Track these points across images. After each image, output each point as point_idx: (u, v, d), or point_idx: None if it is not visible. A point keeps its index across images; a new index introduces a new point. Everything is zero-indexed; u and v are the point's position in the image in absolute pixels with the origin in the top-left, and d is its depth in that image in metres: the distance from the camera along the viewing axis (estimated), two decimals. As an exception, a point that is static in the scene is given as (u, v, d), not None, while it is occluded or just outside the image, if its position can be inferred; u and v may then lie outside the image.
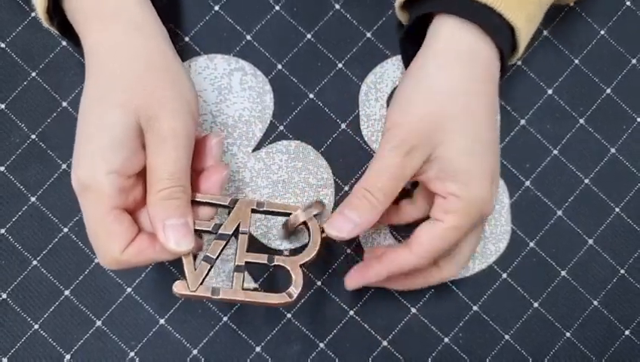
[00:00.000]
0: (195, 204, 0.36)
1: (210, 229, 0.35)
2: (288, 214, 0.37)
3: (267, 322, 0.42)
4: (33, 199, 0.42)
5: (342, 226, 0.36)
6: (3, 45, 0.43)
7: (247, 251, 0.36)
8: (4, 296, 0.41)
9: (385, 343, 0.42)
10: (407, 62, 0.41)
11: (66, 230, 0.42)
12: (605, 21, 0.45)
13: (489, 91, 0.37)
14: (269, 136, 0.43)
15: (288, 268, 0.36)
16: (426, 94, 0.36)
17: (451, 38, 0.36)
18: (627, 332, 0.43)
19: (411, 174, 0.36)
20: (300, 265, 0.36)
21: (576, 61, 0.44)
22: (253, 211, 0.36)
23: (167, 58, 0.36)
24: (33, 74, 0.43)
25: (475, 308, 0.43)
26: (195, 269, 0.35)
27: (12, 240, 0.42)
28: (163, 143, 0.34)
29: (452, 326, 0.42)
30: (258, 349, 0.42)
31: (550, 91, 0.44)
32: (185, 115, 0.35)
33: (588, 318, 0.43)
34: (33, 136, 0.42)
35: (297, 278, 0.36)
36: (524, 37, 0.37)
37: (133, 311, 0.41)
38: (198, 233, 0.36)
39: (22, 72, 0.43)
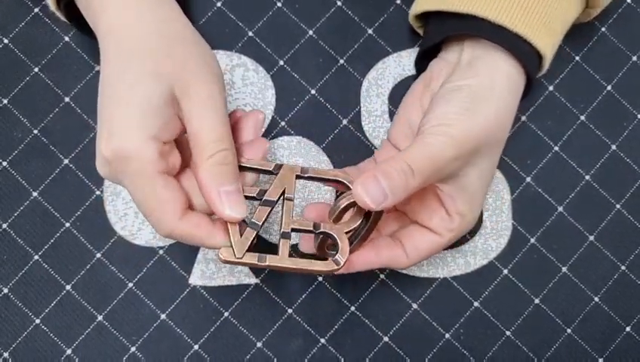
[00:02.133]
0: (241, 169, 0.35)
1: (255, 195, 0.34)
2: (334, 181, 0.36)
3: (268, 317, 0.42)
4: (35, 194, 0.42)
5: (373, 192, 0.32)
6: (6, 41, 0.43)
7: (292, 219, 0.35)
8: (6, 290, 0.41)
9: (386, 339, 0.42)
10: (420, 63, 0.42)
11: (67, 225, 0.42)
12: (606, 18, 0.45)
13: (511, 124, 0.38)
14: (271, 132, 0.43)
15: (335, 235, 0.35)
16: (486, 116, 0.35)
17: (512, 74, 0.37)
18: (628, 329, 0.43)
19: (435, 182, 0.35)
20: (346, 233, 0.35)
21: (577, 58, 0.45)
22: (298, 177, 0.35)
23: (191, 30, 0.35)
24: (36, 69, 0.43)
25: (476, 304, 0.43)
26: (241, 236, 0.33)
27: (14, 234, 0.42)
28: (205, 107, 0.33)
29: (453, 322, 0.42)
30: (259, 344, 0.42)
31: (551, 88, 0.44)
32: (218, 83, 0.34)
33: (589, 314, 0.43)
34: (35, 132, 0.42)
35: (344, 246, 0.34)
36: (547, 65, 0.38)
37: (134, 306, 0.41)
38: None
39: (25, 68, 0.43)
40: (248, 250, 0.33)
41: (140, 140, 0.32)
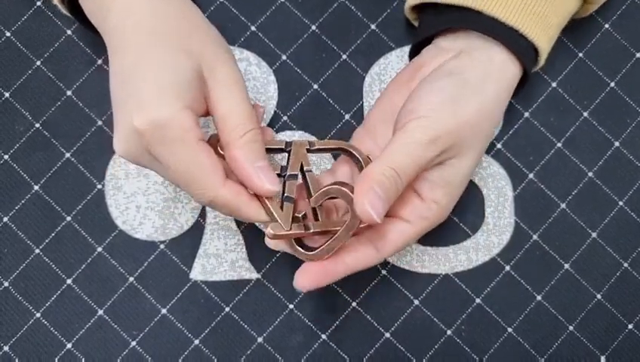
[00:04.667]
0: None
1: (278, 172, 0.35)
2: (339, 149, 0.37)
3: (269, 313, 0.42)
4: (36, 187, 0.42)
5: (378, 207, 0.33)
6: (8, 34, 0.43)
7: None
8: (6, 284, 0.41)
9: (387, 335, 0.42)
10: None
11: (68, 218, 0.42)
12: (610, 15, 0.45)
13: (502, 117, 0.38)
14: (273, 127, 0.43)
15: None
16: (479, 108, 0.35)
17: (505, 67, 0.36)
18: (630, 326, 0.42)
19: (420, 173, 0.35)
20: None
21: (581, 54, 0.44)
22: (308, 151, 0.36)
23: (203, 16, 0.36)
24: (38, 63, 0.43)
25: (478, 300, 0.42)
26: (282, 210, 0.34)
27: (15, 228, 0.41)
28: (232, 90, 0.33)
29: (455, 318, 0.42)
30: (260, 340, 0.42)
31: (554, 84, 0.44)
32: (238, 68, 0.35)
33: (591, 312, 0.42)
34: (37, 125, 0.42)
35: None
36: (544, 58, 0.38)
37: (135, 301, 0.41)
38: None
39: (26, 61, 0.43)
40: (293, 222, 0.34)
41: (178, 109, 0.31)
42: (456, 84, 0.35)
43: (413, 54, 0.41)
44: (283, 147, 0.36)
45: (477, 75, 0.36)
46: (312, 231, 0.35)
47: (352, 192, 0.33)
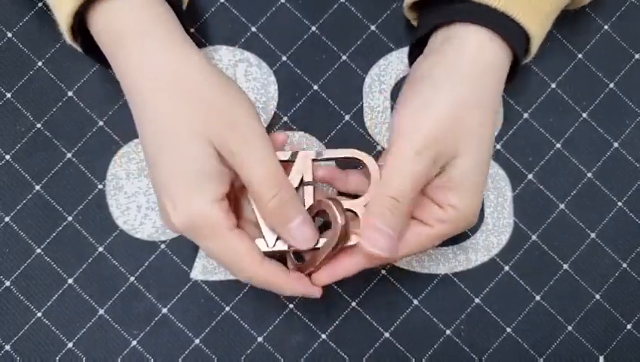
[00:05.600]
0: None
1: None
2: (349, 158, 0.37)
3: (269, 312, 0.42)
4: (38, 187, 0.42)
5: (383, 244, 0.34)
6: (10, 35, 0.43)
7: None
8: (8, 283, 0.41)
9: (387, 335, 0.42)
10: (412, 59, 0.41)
11: (70, 218, 0.42)
12: (609, 16, 0.45)
13: (498, 105, 0.37)
14: (273, 127, 0.43)
15: (357, 212, 0.36)
16: (452, 102, 0.34)
17: (480, 49, 0.35)
18: (629, 326, 0.43)
19: (432, 177, 0.35)
20: (365, 206, 0.36)
21: (580, 55, 0.45)
22: (314, 160, 0.37)
23: (212, 70, 0.35)
24: (39, 63, 0.43)
25: (477, 300, 0.43)
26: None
27: (16, 228, 0.42)
28: (250, 160, 0.33)
29: (454, 318, 0.42)
30: (260, 339, 0.42)
31: (554, 85, 0.44)
32: (254, 118, 0.34)
33: (590, 312, 0.43)
34: (39, 125, 0.42)
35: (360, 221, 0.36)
36: (536, 44, 0.37)
37: (135, 300, 0.42)
38: None
39: (28, 62, 0.43)
40: (278, 240, 0.35)
41: (205, 207, 0.33)
42: (426, 86, 0.35)
43: (412, 56, 0.41)
44: (289, 158, 0.36)
45: (444, 70, 0.35)
46: (293, 248, 0.35)
47: (338, 208, 0.34)
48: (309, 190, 0.36)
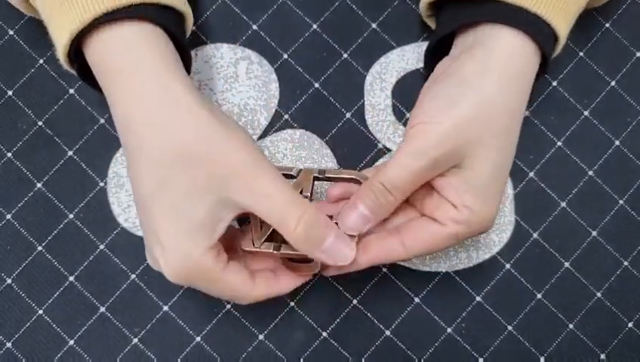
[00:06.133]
0: None
1: None
2: (350, 180, 0.37)
3: (270, 310, 0.42)
4: (39, 185, 0.42)
5: (355, 223, 0.35)
6: (11, 32, 0.43)
7: None
8: (9, 281, 0.41)
9: (388, 332, 0.42)
10: (431, 55, 0.40)
11: (71, 216, 0.42)
12: (610, 14, 0.45)
13: (524, 110, 0.36)
14: (274, 125, 0.43)
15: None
16: (477, 103, 0.34)
17: (512, 53, 0.35)
18: (630, 325, 0.43)
19: (432, 178, 0.35)
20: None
21: (581, 53, 0.45)
22: (316, 178, 0.37)
23: (201, 114, 0.33)
24: (41, 61, 0.43)
25: (478, 298, 0.43)
26: (261, 229, 0.36)
27: (17, 225, 0.42)
28: (259, 201, 0.32)
29: (455, 316, 0.42)
30: (261, 337, 0.42)
31: (555, 83, 0.44)
32: (252, 153, 0.33)
33: (591, 310, 0.43)
34: (40, 123, 0.43)
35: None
36: (561, 45, 0.37)
37: (136, 298, 0.42)
38: None
39: (29, 59, 0.43)
40: (265, 241, 0.36)
41: (197, 257, 0.32)
42: (452, 85, 0.35)
43: (430, 56, 0.40)
44: (293, 173, 0.37)
45: (473, 70, 0.35)
46: (279, 252, 0.36)
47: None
48: None
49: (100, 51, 0.34)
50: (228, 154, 0.32)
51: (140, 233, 0.42)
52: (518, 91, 0.35)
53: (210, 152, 0.32)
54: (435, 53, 0.39)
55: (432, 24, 0.42)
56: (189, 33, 0.40)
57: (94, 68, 0.34)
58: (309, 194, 0.37)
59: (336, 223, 0.36)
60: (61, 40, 0.34)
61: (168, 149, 0.32)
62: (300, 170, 0.37)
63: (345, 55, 0.44)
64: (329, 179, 0.38)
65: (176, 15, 0.37)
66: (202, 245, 0.33)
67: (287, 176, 0.37)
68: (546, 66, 0.36)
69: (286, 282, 0.36)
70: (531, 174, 0.43)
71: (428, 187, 0.36)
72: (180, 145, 0.32)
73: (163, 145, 0.32)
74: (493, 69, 0.34)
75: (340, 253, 0.34)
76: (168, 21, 0.35)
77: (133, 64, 0.33)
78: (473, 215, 0.35)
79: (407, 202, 0.37)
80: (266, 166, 0.33)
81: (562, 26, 0.35)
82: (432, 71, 0.38)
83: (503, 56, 0.34)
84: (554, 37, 0.36)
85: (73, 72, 0.36)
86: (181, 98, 0.33)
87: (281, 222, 0.33)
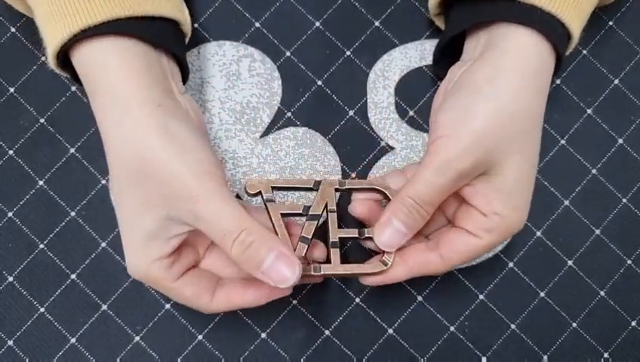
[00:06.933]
0: (282, 189, 0.37)
1: (300, 211, 0.37)
2: (371, 190, 0.38)
3: (273, 308, 0.42)
4: (41, 183, 0.42)
5: (391, 239, 0.35)
6: (13, 29, 0.43)
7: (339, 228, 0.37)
8: (11, 278, 0.41)
9: (390, 331, 0.42)
10: (440, 57, 0.40)
11: (73, 214, 0.42)
12: (614, 12, 0.45)
13: (544, 111, 0.36)
14: (277, 123, 0.43)
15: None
16: (492, 111, 0.34)
17: (526, 55, 0.34)
18: (634, 323, 0.42)
19: (459, 188, 0.35)
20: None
21: (585, 52, 0.44)
22: (337, 190, 0.37)
23: (166, 136, 0.33)
24: (43, 58, 0.43)
25: (481, 296, 0.42)
26: (295, 250, 0.36)
27: (19, 223, 0.42)
28: (201, 220, 0.33)
29: (458, 314, 0.42)
30: (263, 335, 0.42)
31: (558, 81, 0.44)
32: (196, 173, 0.33)
33: (594, 308, 0.42)
34: (42, 120, 0.42)
35: None
36: (574, 45, 0.36)
37: (138, 296, 0.41)
38: (290, 216, 0.37)
39: (31, 56, 0.43)
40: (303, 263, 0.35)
41: (146, 265, 0.34)
42: (466, 94, 0.34)
43: (440, 55, 0.40)
44: (311, 186, 0.37)
45: (486, 75, 0.34)
46: (318, 274, 0.36)
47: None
48: (333, 218, 0.37)
49: (79, 66, 0.35)
50: (173, 178, 0.33)
51: (141, 231, 0.42)
52: (535, 92, 0.35)
53: (158, 174, 0.33)
54: (444, 53, 0.39)
55: (439, 23, 0.42)
56: (188, 36, 0.39)
57: (80, 76, 0.36)
58: (334, 207, 0.37)
59: (368, 238, 0.36)
60: (49, 49, 0.34)
61: (126, 166, 0.34)
62: (319, 182, 0.37)
63: (348, 53, 0.44)
64: (350, 190, 0.38)
65: (168, 23, 0.37)
66: (153, 255, 0.34)
67: (305, 190, 0.37)
68: (559, 66, 0.36)
69: (252, 296, 0.36)
70: (534, 172, 0.43)
71: (456, 196, 0.36)
72: (136, 165, 0.33)
73: (122, 162, 0.34)
74: (507, 70, 0.34)
75: (279, 275, 0.33)
76: (152, 32, 0.35)
77: (100, 86, 0.34)
78: (502, 221, 0.35)
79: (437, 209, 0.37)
80: (209, 191, 0.33)
81: (576, 24, 0.35)
82: (442, 69, 0.38)
83: (518, 56, 0.34)
84: (567, 36, 0.35)
85: (61, 72, 0.36)
86: (141, 120, 0.33)
87: (221, 245, 0.33)
